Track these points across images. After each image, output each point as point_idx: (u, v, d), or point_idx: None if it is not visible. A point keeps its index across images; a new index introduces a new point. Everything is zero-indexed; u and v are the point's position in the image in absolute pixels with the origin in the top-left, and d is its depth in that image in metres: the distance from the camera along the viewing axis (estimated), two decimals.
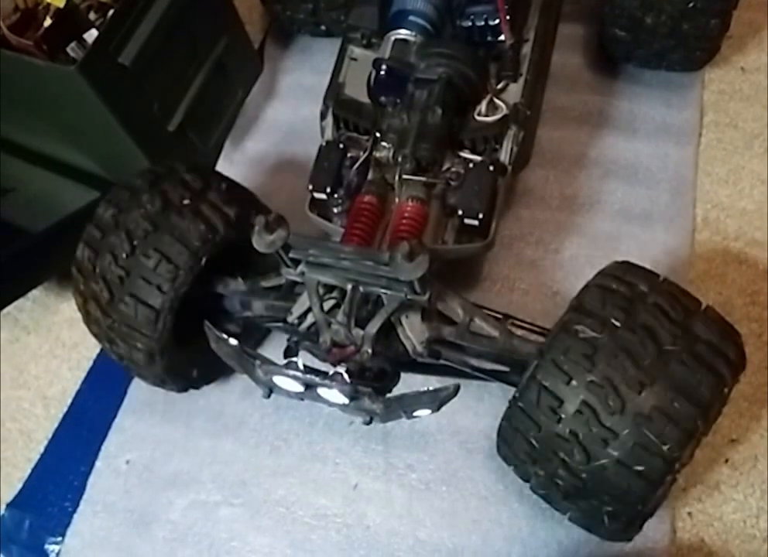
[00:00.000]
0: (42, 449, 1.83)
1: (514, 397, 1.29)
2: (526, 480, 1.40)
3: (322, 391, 1.30)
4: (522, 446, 1.30)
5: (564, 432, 1.22)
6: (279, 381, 1.31)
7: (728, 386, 1.22)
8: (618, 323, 1.24)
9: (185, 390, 1.71)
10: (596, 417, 1.19)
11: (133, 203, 1.51)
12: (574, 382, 1.21)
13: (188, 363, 1.65)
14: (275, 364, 1.31)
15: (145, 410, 1.81)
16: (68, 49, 1.71)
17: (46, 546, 1.70)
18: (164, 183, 1.54)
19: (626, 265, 1.37)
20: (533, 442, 1.27)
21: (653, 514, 1.27)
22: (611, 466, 1.19)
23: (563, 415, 1.22)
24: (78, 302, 1.56)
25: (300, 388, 1.31)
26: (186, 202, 1.51)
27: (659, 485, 1.21)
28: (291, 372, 1.28)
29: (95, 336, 1.59)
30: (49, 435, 1.84)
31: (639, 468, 1.18)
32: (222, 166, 2.15)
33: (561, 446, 1.23)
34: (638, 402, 1.18)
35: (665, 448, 1.17)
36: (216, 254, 1.51)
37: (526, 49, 1.76)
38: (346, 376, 1.27)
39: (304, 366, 1.30)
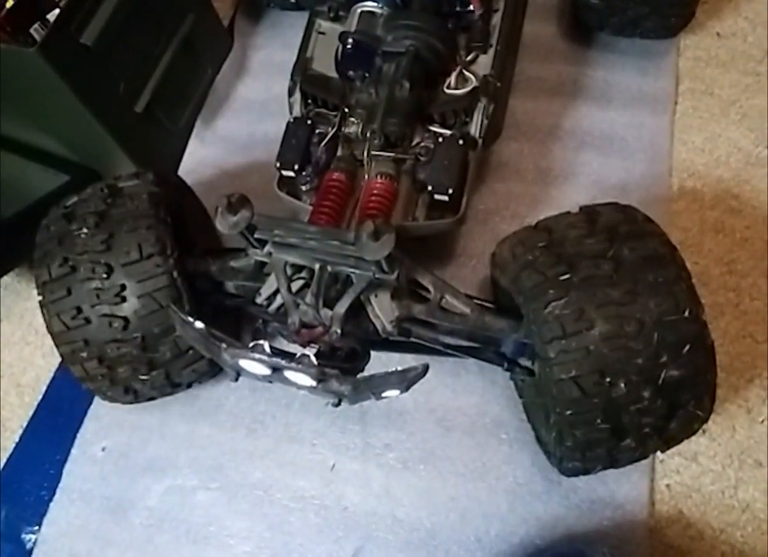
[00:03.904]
0: (17, 438, 1.81)
1: (561, 414, 1.26)
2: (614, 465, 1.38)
3: (289, 374, 1.27)
4: (600, 439, 1.27)
5: (621, 390, 1.21)
6: (246, 364, 1.29)
7: (667, 238, 1.30)
8: (567, 275, 1.24)
9: (215, 374, 1.66)
10: (631, 351, 1.20)
11: (69, 239, 1.45)
12: (591, 347, 1.20)
13: None
14: (241, 347, 1.29)
15: None
16: (31, 31, 1.68)
17: (23, 536, 1.68)
18: (78, 208, 1.50)
19: (514, 237, 1.38)
20: (606, 425, 1.24)
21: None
22: (671, 370, 1.20)
23: (608, 379, 1.20)
24: (92, 367, 1.47)
25: (267, 371, 1.28)
26: (109, 200, 1.48)
27: (708, 342, 1.22)
28: (257, 355, 1.25)
29: (127, 383, 1.53)
30: (24, 424, 1.83)
31: (687, 347, 1.20)
32: (193, 146, 2.13)
33: (630, 401, 1.22)
34: (643, 306, 1.20)
35: (688, 313, 1.20)
36: (175, 213, 1.49)
37: (496, 19, 1.73)
38: (313, 358, 1.25)
39: (271, 348, 1.27)
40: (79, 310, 1.42)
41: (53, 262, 1.44)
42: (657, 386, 1.21)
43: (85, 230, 1.44)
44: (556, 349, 1.22)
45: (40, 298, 1.44)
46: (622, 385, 1.20)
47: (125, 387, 1.54)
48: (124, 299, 1.41)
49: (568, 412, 1.24)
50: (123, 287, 1.41)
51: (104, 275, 1.41)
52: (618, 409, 1.23)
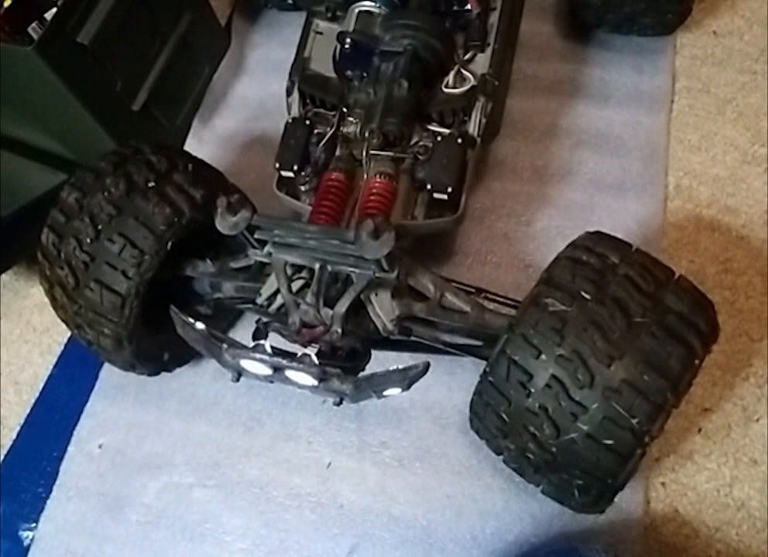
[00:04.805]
0: (14, 436, 1.81)
1: (485, 371, 1.28)
2: (499, 454, 1.39)
3: (290, 374, 1.28)
4: (493, 421, 1.30)
5: (534, 406, 1.21)
6: (247, 364, 1.29)
7: (699, 358, 1.20)
8: (587, 296, 1.22)
9: (156, 373, 1.69)
10: (565, 391, 1.19)
11: (97, 186, 1.47)
12: (543, 356, 1.20)
13: (159, 347, 1.63)
14: (242, 347, 1.29)
15: (117, 393, 1.79)
16: (29, 29, 1.67)
17: (20, 533, 1.69)
18: (128, 165, 1.50)
19: (598, 236, 1.35)
20: (504, 416, 1.26)
21: (624, 487, 1.26)
22: (580, 440, 1.19)
23: (532, 390, 1.21)
24: (44, 287, 1.54)
25: (269, 371, 1.29)
26: (151, 184, 1.48)
27: (628, 459, 1.20)
28: (258, 355, 1.26)
29: (63, 321, 1.57)
30: (22, 421, 1.83)
31: (609, 442, 1.18)
32: (191, 145, 2.12)
33: (531, 421, 1.22)
34: (607, 376, 1.17)
35: (634, 422, 1.16)
36: (183, 237, 1.48)
37: (494, 17, 1.74)
38: (314, 357, 1.26)
39: (272, 348, 1.28)
40: (60, 240, 1.46)
41: (76, 190, 1.49)
42: (559, 437, 1.20)
43: (112, 190, 1.46)
44: (519, 330, 1.23)
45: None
46: (537, 405, 1.21)
47: (64, 321, 1.57)
48: (87, 267, 1.44)
49: (489, 378, 1.26)
50: (93, 259, 1.43)
51: (89, 239, 1.43)
52: (520, 415, 1.23)
